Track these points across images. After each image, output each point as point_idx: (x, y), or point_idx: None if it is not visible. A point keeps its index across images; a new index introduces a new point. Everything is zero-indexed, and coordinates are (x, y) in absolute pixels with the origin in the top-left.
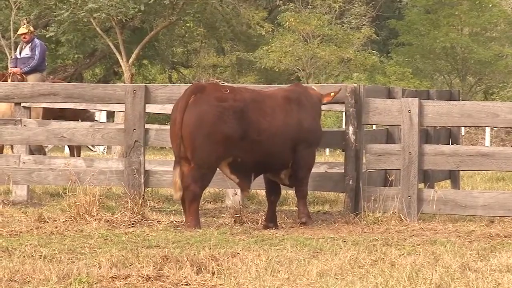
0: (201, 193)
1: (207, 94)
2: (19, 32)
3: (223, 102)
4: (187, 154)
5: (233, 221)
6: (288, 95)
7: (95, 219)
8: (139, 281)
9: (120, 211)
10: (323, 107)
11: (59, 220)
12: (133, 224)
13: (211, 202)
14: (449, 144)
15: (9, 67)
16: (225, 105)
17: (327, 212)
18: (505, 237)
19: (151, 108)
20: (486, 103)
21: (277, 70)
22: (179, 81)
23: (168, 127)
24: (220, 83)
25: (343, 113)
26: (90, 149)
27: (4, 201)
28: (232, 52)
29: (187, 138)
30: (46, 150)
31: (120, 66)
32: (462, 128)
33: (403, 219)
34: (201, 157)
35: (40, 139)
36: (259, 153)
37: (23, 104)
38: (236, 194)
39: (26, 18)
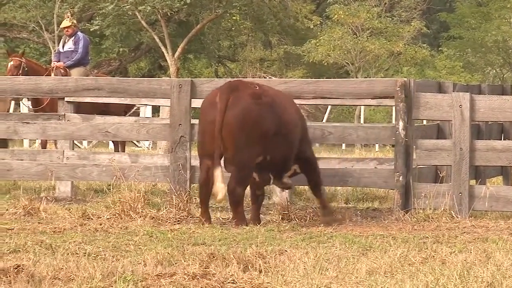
0: (244, 194)
1: (244, 92)
2: (62, 25)
3: (258, 99)
4: (227, 155)
5: (280, 218)
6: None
7: (140, 216)
8: (184, 279)
9: (166, 208)
10: (373, 102)
11: (104, 217)
12: (178, 221)
13: None
14: (501, 139)
15: (52, 61)
16: (261, 102)
17: (377, 209)
18: None
19: (197, 103)
20: None
21: (325, 64)
22: (225, 75)
23: None
24: (267, 78)
25: (393, 108)
26: (135, 145)
27: (48, 197)
28: (279, 46)
29: (230, 139)
30: (90, 145)
31: (166, 60)
32: None
33: (454, 216)
34: (244, 158)
35: (84, 135)
36: (283, 149)
37: (66, 99)
38: (283, 191)
39: (70, 11)
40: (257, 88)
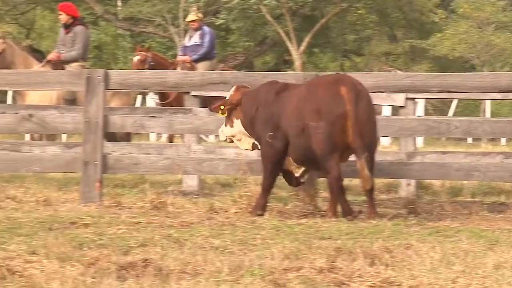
0: None
1: (361, 85)
2: (188, 19)
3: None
4: (360, 147)
5: (407, 212)
6: None
7: (267, 210)
8: (311, 273)
9: (292, 202)
10: (498, 96)
11: (230, 210)
12: (305, 215)
13: (385, 193)
14: None
15: (178, 55)
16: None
17: (503, 203)
18: None
19: None
20: None
21: (451, 57)
22: (351, 69)
23: None
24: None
25: None
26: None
27: (175, 191)
28: (404, 40)
29: (367, 132)
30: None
31: (291, 54)
32: None
33: None
34: (375, 146)
35: (210, 128)
36: None
37: (192, 93)
38: (409, 185)
39: (196, 5)
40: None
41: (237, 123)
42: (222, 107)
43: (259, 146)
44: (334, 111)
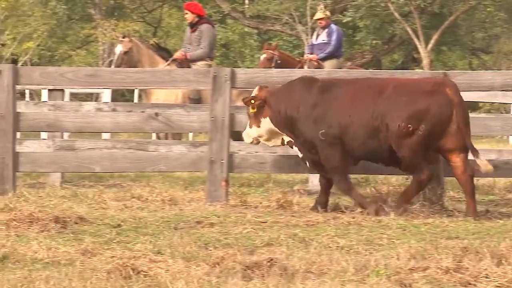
0: None
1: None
2: (316, 17)
3: None
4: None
5: None
6: None
7: (393, 209)
8: (437, 273)
9: (419, 201)
10: None
11: (356, 210)
12: (432, 214)
13: None
14: None
15: (305, 53)
16: None
17: None
18: None
19: None
20: None
21: None
22: (479, 67)
23: None
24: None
25: None
26: None
27: (301, 190)
28: None
29: (466, 131)
30: None
31: (419, 52)
32: None
33: None
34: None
35: None
36: None
37: None
38: None
39: (323, 3)
40: None
41: (265, 122)
42: (253, 101)
43: (286, 141)
44: (438, 113)
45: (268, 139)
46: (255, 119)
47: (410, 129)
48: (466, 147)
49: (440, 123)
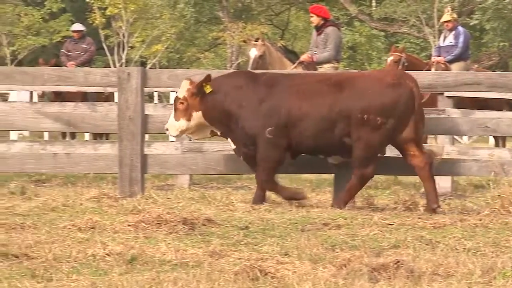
0: None
1: None
2: (443, 19)
3: None
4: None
5: None
6: None
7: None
8: None
9: None
10: None
11: (483, 212)
12: None
13: None
14: None
15: (432, 55)
16: None
17: None
18: None
19: None
20: None
21: None
22: None
23: None
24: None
25: None
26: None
27: None
28: None
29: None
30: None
31: None
32: None
33: None
34: None
35: (463, 130)
36: None
37: (446, 94)
38: None
39: (450, 6)
40: None
41: (197, 115)
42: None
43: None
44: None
45: (194, 132)
46: (185, 112)
47: (379, 122)
48: (421, 136)
49: (406, 115)
